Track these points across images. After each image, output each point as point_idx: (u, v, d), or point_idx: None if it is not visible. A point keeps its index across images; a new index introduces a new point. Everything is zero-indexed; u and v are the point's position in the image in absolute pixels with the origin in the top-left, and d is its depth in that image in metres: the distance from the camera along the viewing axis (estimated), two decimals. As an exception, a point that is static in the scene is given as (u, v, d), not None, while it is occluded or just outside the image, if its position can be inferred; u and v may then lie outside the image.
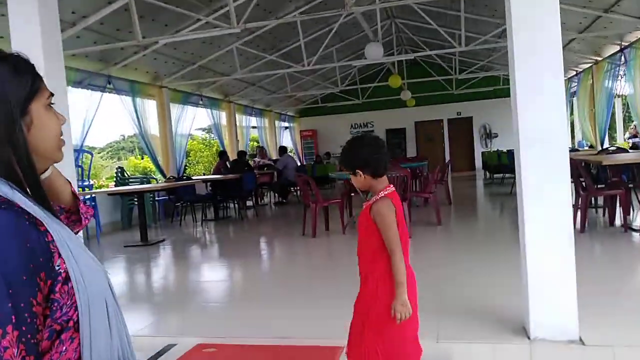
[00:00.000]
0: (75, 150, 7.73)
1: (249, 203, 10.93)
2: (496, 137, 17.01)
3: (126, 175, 9.51)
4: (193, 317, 3.64)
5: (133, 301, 4.24)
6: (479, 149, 18.44)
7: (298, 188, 11.92)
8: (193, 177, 10.36)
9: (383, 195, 1.82)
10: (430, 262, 4.73)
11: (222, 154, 11.52)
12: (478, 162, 18.59)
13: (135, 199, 8.84)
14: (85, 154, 8.10)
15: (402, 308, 1.73)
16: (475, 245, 5.45)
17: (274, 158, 14.16)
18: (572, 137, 15.55)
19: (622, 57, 10.08)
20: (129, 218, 8.84)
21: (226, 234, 7.68)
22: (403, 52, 15.23)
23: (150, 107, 10.45)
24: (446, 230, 6.41)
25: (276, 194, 11.66)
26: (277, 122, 17.78)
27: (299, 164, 14.46)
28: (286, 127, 19.29)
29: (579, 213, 5.95)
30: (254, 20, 7.08)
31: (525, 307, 2.86)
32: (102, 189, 9.08)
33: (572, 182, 7.27)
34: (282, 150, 11.65)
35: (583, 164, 5.76)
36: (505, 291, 3.66)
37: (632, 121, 12.33)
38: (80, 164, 7.60)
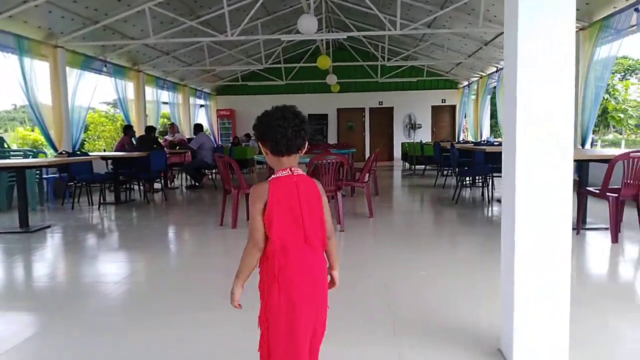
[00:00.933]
0: None
1: (157, 186, 9.78)
2: (420, 127, 17.06)
3: (6, 147, 7.97)
4: (70, 336, 2.72)
5: (-7, 311, 3.19)
6: (398, 140, 18.47)
7: (215, 171, 10.93)
8: (90, 153, 8.98)
9: (269, 179, 1.67)
10: (373, 261, 4.15)
11: (128, 129, 10.21)
12: (397, 153, 18.66)
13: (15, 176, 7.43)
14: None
15: (230, 296, 1.70)
16: (418, 241, 4.96)
17: (188, 137, 12.97)
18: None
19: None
20: (9, 199, 7.40)
21: (128, 221, 6.59)
22: (333, 32, 14.62)
23: (42, 69, 8.89)
24: (381, 223, 5.89)
25: (189, 177, 10.58)
26: (192, 99, 16.43)
27: (215, 144, 13.36)
28: (202, 105, 17.98)
29: None
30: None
31: (508, 331, 2.32)
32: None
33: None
34: (198, 128, 10.56)
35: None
36: (467, 299, 3.16)
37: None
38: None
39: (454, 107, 19.17)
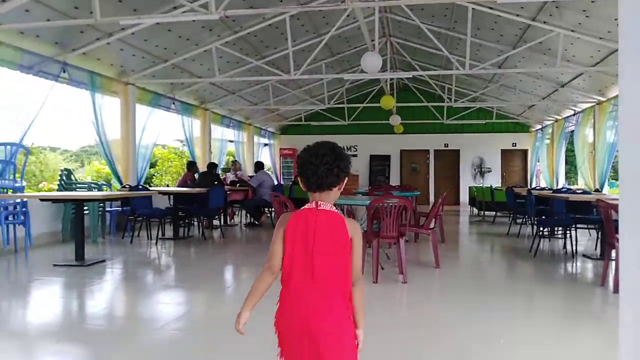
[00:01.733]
0: (9, 144, 6.47)
1: (216, 222, 9.71)
2: (490, 172, 16.20)
3: (73, 179, 8.20)
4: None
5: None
6: (465, 183, 17.67)
7: (273, 209, 10.75)
8: (151, 187, 9.07)
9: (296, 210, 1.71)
10: (441, 320, 3.63)
11: (191, 165, 10.32)
12: (463, 197, 17.80)
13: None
14: (22, 149, 6.80)
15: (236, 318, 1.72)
16: (492, 298, 4.37)
17: (249, 174, 13.00)
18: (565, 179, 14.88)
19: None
20: (73, 231, 7.52)
21: (183, 258, 6.44)
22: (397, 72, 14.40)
23: (113, 105, 9.24)
24: (449, 276, 5.32)
25: (248, 214, 10.46)
26: (256, 138, 16.65)
27: (276, 182, 13.26)
28: (266, 144, 18.19)
29: (610, 269, 4.97)
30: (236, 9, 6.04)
31: None
32: (34, 193, 7.72)
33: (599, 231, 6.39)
34: (259, 165, 10.51)
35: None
36: None
37: None
38: (12, 161, 6.30)
39: (525, 151, 18.16)
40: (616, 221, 4.57)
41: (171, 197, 8.46)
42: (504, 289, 4.96)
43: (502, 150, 18.09)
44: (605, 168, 10.74)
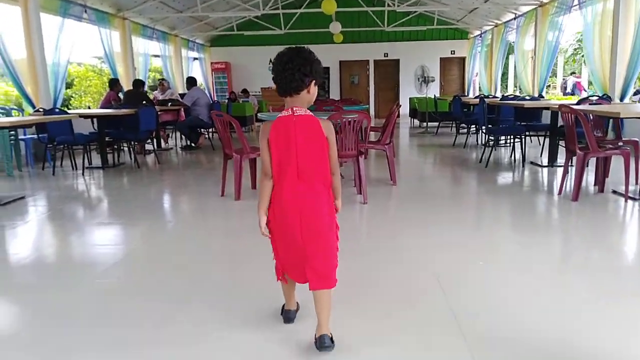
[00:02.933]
0: None
1: (149, 147, 8.91)
2: (433, 81, 15.95)
3: (-27, 104, 7.03)
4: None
5: None
6: (405, 94, 17.47)
7: (212, 130, 10.03)
8: (70, 111, 8.03)
9: (273, 118, 1.86)
10: (411, 243, 3.37)
11: (114, 83, 9.23)
12: (403, 109, 17.66)
13: (-13, 138, 6.55)
14: None
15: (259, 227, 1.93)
16: (458, 216, 4.17)
17: (181, 92, 11.97)
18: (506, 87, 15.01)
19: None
20: (-19, 163, 6.54)
21: (116, 189, 5.78)
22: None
23: (12, 14, 7.82)
24: (408, 193, 5.10)
25: (184, 136, 9.68)
26: (184, 51, 15.24)
27: (211, 101, 12.33)
28: (195, 58, 16.79)
29: (567, 177, 4.91)
30: None
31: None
32: None
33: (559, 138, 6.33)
34: (191, 82, 9.55)
35: (591, 117, 4.61)
36: (559, 305, 2.35)
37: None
38: None
39: (463, 59, 18.04)
40: (578, 128, 4.42)
41: (95, 120, 7.52)
42: (468, 204, 4.80)
43: (440, 58, 17.86)
44: (545, 74, 10.76)
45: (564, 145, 6.33)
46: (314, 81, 1.84)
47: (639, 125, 6.08)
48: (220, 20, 15.30)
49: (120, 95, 9.10)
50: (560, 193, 4.74)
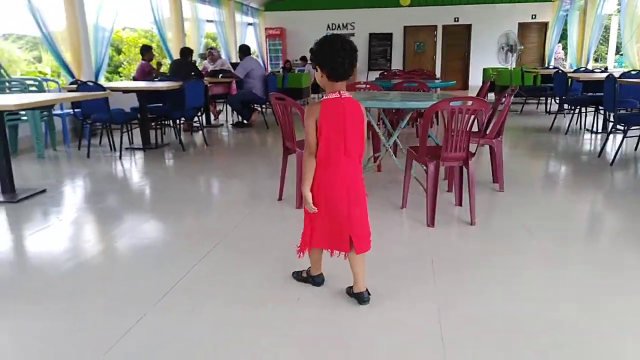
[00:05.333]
0: None
1: (196, 123, 7.97)
2: (522, 50, 13.98)
3: (3, 75, 6.27)
4: None
5: None
6: (476, 65, 15.71)
7: (267, 105, 9.02)
8: (118, 80, 7.15)
9: (319, 100, 2.04)
10: (580, 308, 2.19)
11: (146, 51, 8.30)
12: (473, 81, 15.95)
13: (19, 115, 5.81)
14: None
15: (303, 201, 2.12)
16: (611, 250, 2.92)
17: (233, 62, 10.95)
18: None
19: None
20: (13, 143, 5.79)
21: (152, 183, 4.85)
22: None
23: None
24: (523, 205, 3.85)
25: (235, 112, 8.69)
26: (237, 16, 14.15)
27: (265, 71, 11.24)
28: (250, 24, 15.67)
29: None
30: None
31: None
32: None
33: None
34: (244, 51, 8.47)
35: None
36: None
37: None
38: None
39: (545, 24, 15.95)
40: None
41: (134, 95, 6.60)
42: (616, 229, 3.51)
43: (519, 24, 15.86)
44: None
45: None
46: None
47: None
48: (276, -19, 14.02)
49: (157, 65, 8.16)
50: None
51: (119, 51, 16.41)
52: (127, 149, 6.24)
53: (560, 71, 7.44)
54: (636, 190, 4.24)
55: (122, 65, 15.89)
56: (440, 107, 3.07)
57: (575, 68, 12.18)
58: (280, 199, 3.91)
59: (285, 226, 3.39)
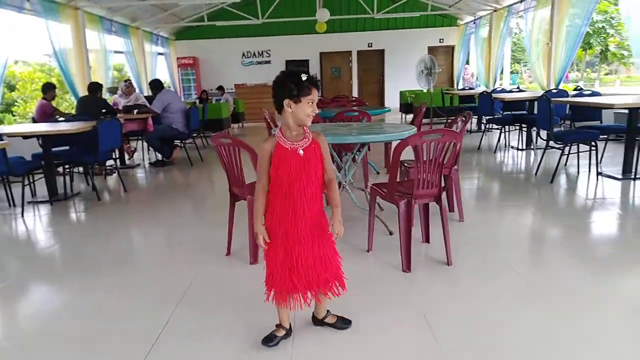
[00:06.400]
0: None
1: (110, 162, 7.12)
2: (440, 71, 14.41)
3: None
4: None
5: None
6: (392, 87, 16.08)
7: (190, 141, 8.39)
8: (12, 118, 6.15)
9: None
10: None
11: (47, 89, 7.40)
12: (390, 103, 16.28)
13: None
14: None
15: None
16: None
17: (146, 95, 10.16)
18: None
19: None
20: None
21: (67, 241, 4.09)
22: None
23: None
24: (489, 237, 3.64)
25: (155, 150, 7.94)
26: (147, 46, 13.33)
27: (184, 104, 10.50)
28: (160, 53, 14.86)
29: None
30: None
31: None
32: None
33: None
34: (156, 85, 7.74)
35: None
36: None
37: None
38: None
39: (452, 47, 16.77)
40: None
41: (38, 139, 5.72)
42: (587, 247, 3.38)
43: (429, 47, 16.52)
44: (566, 62, 9.53)
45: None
46: (280, 100, 1.96)
47: None
48: (188, 10, 13.44)
49: (65, 105, 7.29)
50: None
51: (11, 88, 14.78)
52: (30, 203, 5.34)
53: (485, 92, 7.61)
54: (586, 208, 4.24)
55: (16, 103, 14.29)
56: (412, 142, 2.76)
57: (484, 88, 12.81)
58: (228, 253, 3.38)
59: (247, 286, 2.87)
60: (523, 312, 2.44)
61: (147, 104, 8.07)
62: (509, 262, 3.06)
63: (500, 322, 2.34)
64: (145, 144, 8.33)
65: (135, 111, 7.61)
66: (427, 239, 3.44)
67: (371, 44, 16.52)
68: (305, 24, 14.06)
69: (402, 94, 13.58)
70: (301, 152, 1.95)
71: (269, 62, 16.48)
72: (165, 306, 2.65)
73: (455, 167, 3.85)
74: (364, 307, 2.50)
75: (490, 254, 3.23)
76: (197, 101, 12.48)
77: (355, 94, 16.70)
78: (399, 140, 2.93)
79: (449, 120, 10.02)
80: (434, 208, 3.14)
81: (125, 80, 8.82)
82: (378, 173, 5.91)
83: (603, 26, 22.73)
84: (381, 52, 16.67)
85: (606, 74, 30.12)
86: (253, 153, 3.02)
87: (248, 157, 3.02)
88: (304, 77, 1.89)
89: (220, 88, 13.15)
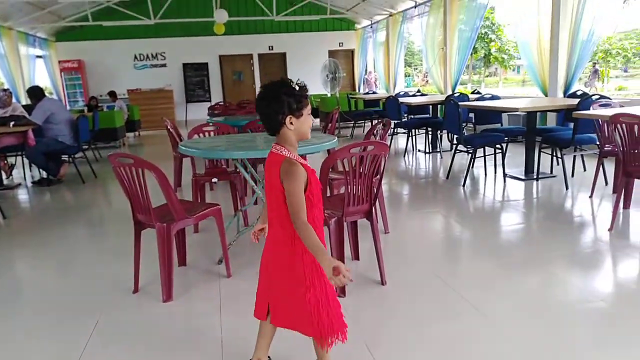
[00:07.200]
0: None
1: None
2: (344, 77, 14.52)
3: None
4: None
5: None
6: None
7: (81, 155, 7.54)
8: None
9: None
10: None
11: None
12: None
13: None
14: None
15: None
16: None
17: (25, 104, 9.01)
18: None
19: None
20: None
21: None
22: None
23: None
24: (419, 248, 3.55)
25: (38, 168, 6.98)
26: (23, 48, 11.88)
27: (69, 113, 9.42)
28: (39, 56, 13.35)
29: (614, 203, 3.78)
30: None
31: None
32: None
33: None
34: (36, 94, 6.76)
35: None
36: None
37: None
38: None
39: (352, 51, 17.08)
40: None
41: None
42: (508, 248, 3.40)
43: (329, 51, 16.67)
44: (460, 66, 10.02)
45: (550, 152, 5.35)
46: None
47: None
48: (69, 8, 12.18)
49: None
50: (612, 229, 3.58)
51: None
52: None
53: (391, 97, 7.69)
54: (497, 209, 4.35)
55: None
56: (340, 156, 2.54)
57: (385, 92, 13.16)
58: (136, 290, 2.93)
59: (166, 331, 2.46)
60: (452, 321, 2.41)
61: (26, 115, 7.08)
62: (438, 272, 2.99)
63: (437, 337, 2.21)
64: (26, 160, 7.31)
65: (12, 123, 6.63)
66: (356, 256, 3.26)
67: (272, 46, 16.29)
68: (203, 25, 13.47)
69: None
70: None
71: (164, 65, 15.57)
72: (61, 369, 2.17)
73: (378, 175, 3.72)
74: (301, 344, 2.22)
75: (419, 266, 3.13)
76: (86, 109, 11.39)
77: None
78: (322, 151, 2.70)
79: (359, 125, 10.04)
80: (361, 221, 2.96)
81: (4, 90, 7.68)
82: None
83: (486, 32, 24.63)
84: (283, 56, 16.51)
85: (486, 77, 32.80)
86: (160, 174, 2.62)
87: (153, 176, 2.61)
88: (297, 87, 1.66)
89: (112, 94, 12.10)
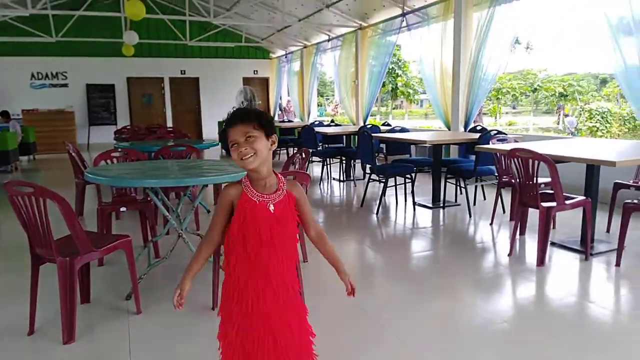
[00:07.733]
0: None
1: None
2: (260, 105, 14.48)
3: None
4: None
5: None
6: (210, 117, 15.70)
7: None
8: None
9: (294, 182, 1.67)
10: None
11: None
12: (208, 133, 15.88)
13: None
14: None
15: None
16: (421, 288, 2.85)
17: None
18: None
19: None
20: None
21: None
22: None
23: None
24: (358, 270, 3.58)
25: None
26: None
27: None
28: None
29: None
30: None
31: None
32: None
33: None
34: None
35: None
36: None
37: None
38: None
39: (267, 79, 17.21)
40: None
41: None
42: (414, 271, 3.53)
43: (243, 78, 16.66)
44: (371, 99, 10.47)
45: (454, 182, 5.70)
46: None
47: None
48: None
49: None
50: (510, 254, 3.88)
51: None
52: None
53: (307, 126, 7.83)
54: (409, 236, 4.54)
55: None
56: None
57: (299, 120, 13.39)
58: (31, 332, 2.64)
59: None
60: (373, 347, 2.46)
61: None
62: (356, 300, 3.02)
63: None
64: None
65: None
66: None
67: (184, 71, 15.96)
68: (110, 46, 12.93)
69: (220, 124, 13.31)
70: (272, 207, 1.53)
71: (66, 85, 14.62)
72: None
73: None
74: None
75: (341, 296, 3.15)
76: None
77: (169, 123, 15.84)
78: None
79: (274, 152, 10.05)
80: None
81: None
82: (209, 212, 5.50)
83: (393, 67, 26.12)
84: (196, 80, 16.22)
85: (393, 109, 34.65)
86: (65, 204, 2.42)
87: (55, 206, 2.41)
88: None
89: (5, 114, 11.06)
